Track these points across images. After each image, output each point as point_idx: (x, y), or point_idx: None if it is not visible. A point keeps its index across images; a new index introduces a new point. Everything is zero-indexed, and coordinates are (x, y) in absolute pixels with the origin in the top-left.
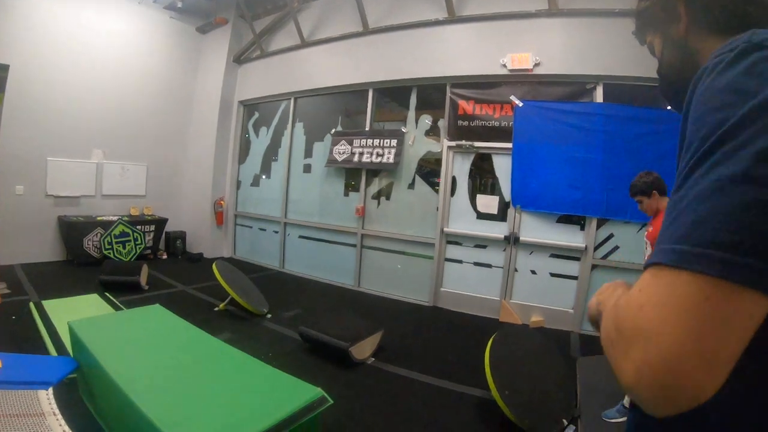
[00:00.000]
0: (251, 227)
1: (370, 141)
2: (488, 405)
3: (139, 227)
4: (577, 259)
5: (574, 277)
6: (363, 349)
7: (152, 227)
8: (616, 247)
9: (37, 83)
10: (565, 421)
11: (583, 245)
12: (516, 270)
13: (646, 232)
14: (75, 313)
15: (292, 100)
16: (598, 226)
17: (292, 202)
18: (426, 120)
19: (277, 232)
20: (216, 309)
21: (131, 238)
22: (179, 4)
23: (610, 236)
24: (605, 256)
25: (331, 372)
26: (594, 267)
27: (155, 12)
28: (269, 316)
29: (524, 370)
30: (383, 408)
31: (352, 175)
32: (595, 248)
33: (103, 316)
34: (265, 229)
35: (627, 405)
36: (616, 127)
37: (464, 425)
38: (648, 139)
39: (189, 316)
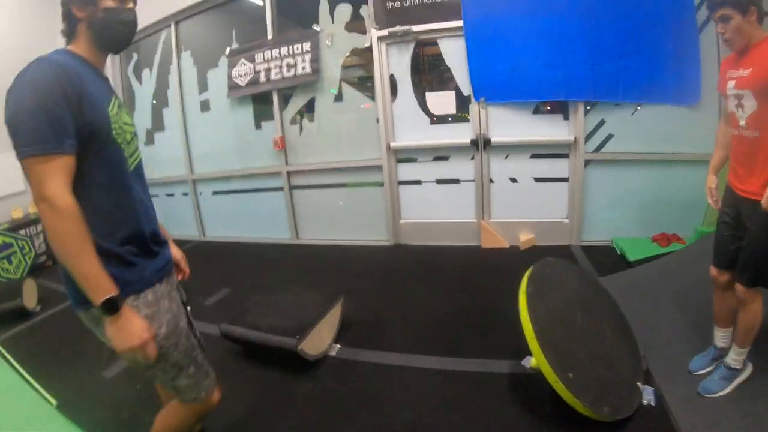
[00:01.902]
0: (157, 195)
1: (276, 51)
2: (528, 383)
3: (23, 232)
4: (566, 156)
5: (565, 179)
6: (319, 339)
7: (40, 227)
8: (610, 136)
9: None
10: (639, 385)
11: (571, 138)
12: (492, 181)
13: (730, 81)
14: None
15: (172, 27)
16: (586, 112)
17: (196, 153)
18: (345, 10)
19: (186, 194)
20: None
21: (16, 248)
22: None
23: (602, 123)
24: (598, 149)
25: (278, 385)
26: (588, 163)
27: None
28: (188, 309)
29: (577, 327)
30: (372, 428)
31: (262, 100)
32: (586, 140)
33: None
34: (173, 194)
35: (720, 344)
36: None
37: (506, 428)
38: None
39: (78, 342)
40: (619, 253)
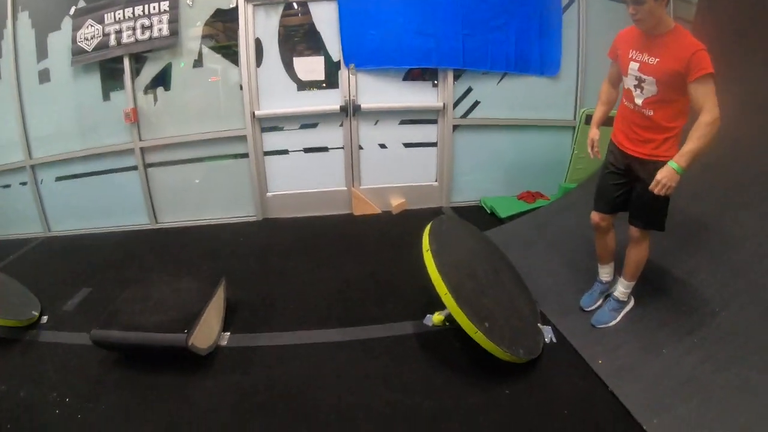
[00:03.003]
0: None
1: (129, 11)
2: (436, 340)
3: None
4: (434, 121)
5: (434, 144)
6: (208, 329)
7: None
8: (477, 103)
9: None
10: (540, 326)
11: (440, 104)
12: (361, 147)
13: (633, 63)
14: None
15: None
16: (454, 80)
17: (34, 133)
18: None
19: (25, 183)
20: None
21: None
22: None
23: (469, 90)
24: (466, 115)
25: (173, 390)
26: (456, 128)
27: None
28: (45, 319)
29: (481, 280)
30: (287, 422)
31: (110, 67)
32: (454, 106)
33: None
34: (9, 185)
35: (605, 279)
36: None
37: (430, 389)
38: None
39: None
40: (489, 212)
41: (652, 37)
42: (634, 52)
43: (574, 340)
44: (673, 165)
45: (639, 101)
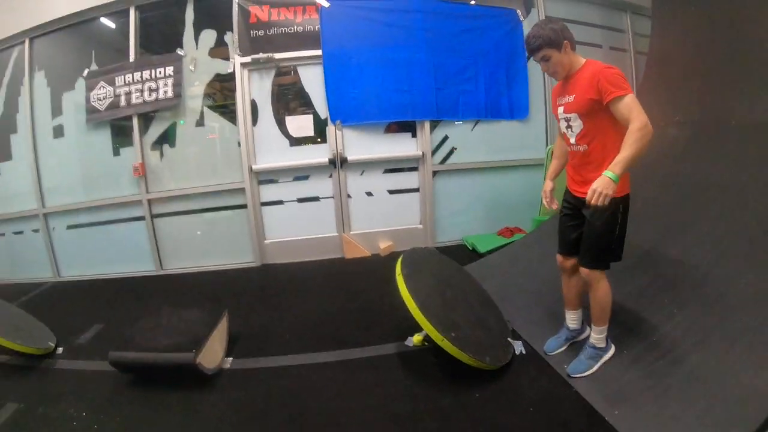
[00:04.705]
0: (3, 234)
1: (138, 75)
2: (415, 357)
3: None
4: (415, 169)
5: (416, 190)
6: (213, 352)
7: None
8: (454, 149)
9: None
10: (510, 340)
11: (420, 153)
12: (349, 196)
13: (560, 107)
14: None
15: (26, 44)
16: (431, 130)
17: (48, 184)
18: (209, 36)
19: (37, 230)
20: None
21: None
22: None
23: (445, 138)
24: (444, 161)
25: (182, 404)
26: (435, 173)
27: None
28: (60, 350)
29: (449, 299)
30: (282, 426)
31: (120, 125)
32: (432, 153)
33: None
34: (22, 231)
35: (571, 326)
36: (436, 24)
37: (408, 395)
38: (469, 36)
39: None
40: (470, 249)
41: (569, 80)
42: (559, 99)
43: (541, 350)
44: (608, 174)
45: (573, 140)
